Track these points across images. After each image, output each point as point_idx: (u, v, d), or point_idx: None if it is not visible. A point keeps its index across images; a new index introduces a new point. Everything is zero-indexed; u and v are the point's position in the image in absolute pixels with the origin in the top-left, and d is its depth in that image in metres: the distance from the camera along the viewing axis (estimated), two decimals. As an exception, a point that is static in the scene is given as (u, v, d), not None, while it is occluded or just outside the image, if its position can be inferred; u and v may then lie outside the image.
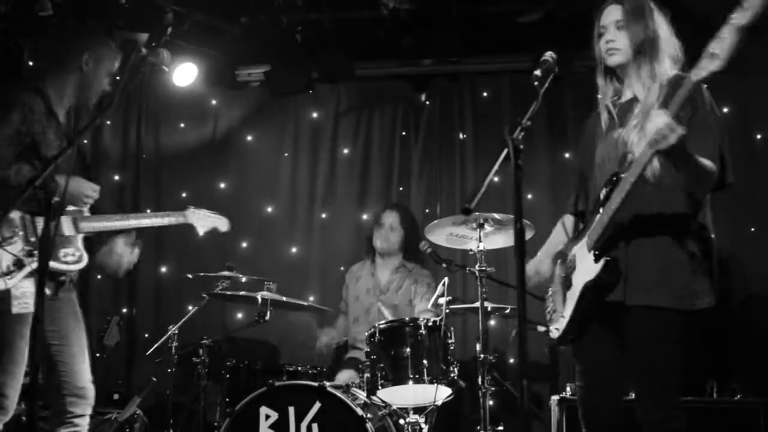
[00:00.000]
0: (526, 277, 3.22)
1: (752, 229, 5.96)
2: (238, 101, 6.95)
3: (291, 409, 4.32)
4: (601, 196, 2.99)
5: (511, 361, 5.85)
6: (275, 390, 4.37)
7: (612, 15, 3.07)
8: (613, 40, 3.04)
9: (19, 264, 3.38)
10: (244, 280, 5.31)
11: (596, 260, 2.93)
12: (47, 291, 3.37)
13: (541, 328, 3.30)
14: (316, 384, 4.37)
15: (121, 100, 3.50)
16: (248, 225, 6.67)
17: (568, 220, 3.41)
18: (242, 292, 5.11)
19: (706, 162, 2.83)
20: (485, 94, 6.77)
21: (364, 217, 6.68)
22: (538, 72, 2.96)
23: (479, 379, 4.46)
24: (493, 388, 4.58)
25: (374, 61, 6.70)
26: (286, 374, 4.74)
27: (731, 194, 5.88)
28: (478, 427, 4.44)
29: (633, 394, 3.08)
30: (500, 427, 4.81)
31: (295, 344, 6.29)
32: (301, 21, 6.16)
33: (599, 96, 3.19)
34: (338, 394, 4.33)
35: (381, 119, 6.90)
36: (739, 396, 4.68)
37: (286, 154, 6.92)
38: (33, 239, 3.40)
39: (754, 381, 4.88)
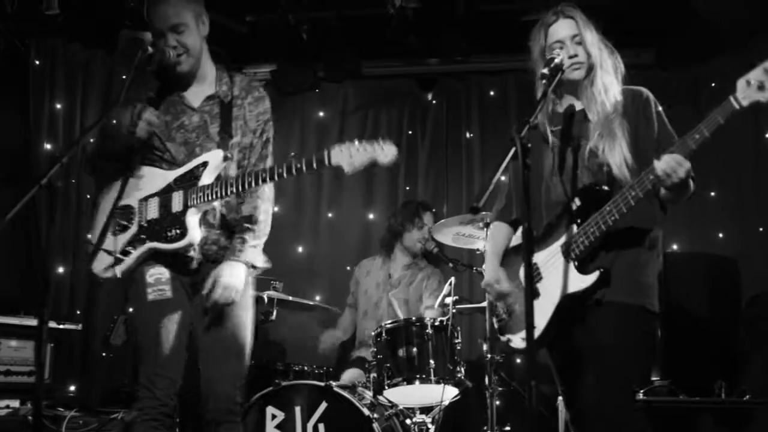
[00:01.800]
0: (488, 287, 3.21)
1: (760, 229, 5.94)
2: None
3: (297, 409, 4.31)
4: (574, 206, 2.96)
5: (518, 361, 5.83)
6: (282, 390, 4.36)
7: (567, 29, 3.05)
8: (576, 55, 3.03)
9: (125, 252, 3.34)
10: (250, 279, 5.29)
11: (582, 271, 2.91)
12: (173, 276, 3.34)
13: (503, 338, 3.25)
14: (322, 384, 4.35)
15: (126, 99, 3.39)
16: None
17: (503, 227, 3.35)
18: (249, 292, 5.09)
19: (691, 181, 2.87)
20: (492, 93, 6.75)
21: (371, 216, 6.67)
22: (545, 70, 2.96)
23: (486, 379, 4.45)
24: (500, 388, 4.57)
25: (381, 60, 6.70)
26: (292, 374, 4.73)
27: (740, 195, 5.96)
28: (485, 428, 4.43)
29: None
30: (507, 428, 4.80)
31: (299, 344, 6.29)
32: (308, 20, 6.15)
33: (543, 106, 3.09)
34: (345, 394, 4.31)
35: (387, 118, 6.90)
36: (748, 396, 4.65)
37: (292, 154, 6.88)
38: (144, 224, 3.36)
39: (763, 381, 4.85)
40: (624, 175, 2.89)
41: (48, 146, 5.96)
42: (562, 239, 2.98)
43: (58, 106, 6.11)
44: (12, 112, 5.87)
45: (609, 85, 3.03)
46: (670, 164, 2.66)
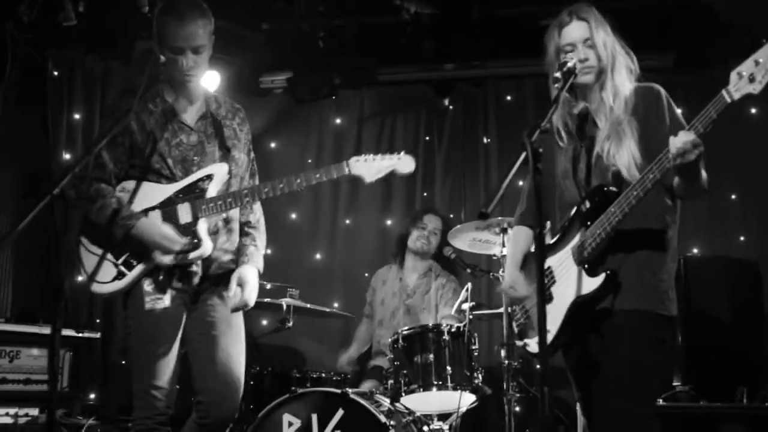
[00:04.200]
0: (504, 292, 3.21)
1: (782, 233, 5.89)
2: (261, 108, 6.94)
3: (314, 416, 4.29)
4: (584, 209, 2.94)
5: (538, 367, 5.79)
6: (298, 396, 4.35)
7: (579, 32, 3.02)
8: (587, 59, 3.00)
9: (128, 265, 3.35)
10: (268, 287, 5.31)
11: (591, 274, 2.89)
12: (172, 287, 3.37)
13: (520, 343, 3.24)
14: (339, 391, 4.34)
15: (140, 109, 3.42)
16: (272, 232, 6.57)
17: (524, 231, 3.33)
18: (266, 299, 5.11)
19: (704, 174, 2.83)
20: (509, 97, 6.73)
21: (388, 223, 6.66)
22: (557, 74, 2.94)
23: (504, 386, 4.42)
24: (519, 395, 4.54)
25: (397, 67, 6.69)
26: (309, 381, 4.73)
27: (761, 197, 5.89)
28: (503, 434, 4.39)
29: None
30: (526, 434, 4.76)
31: (316, 351, 6.30)
32: (324, 27, 6.14)
33: (555, 110, 3.07)
34: (361, 401, 4.29)
35: (404, 124, 6.89)
36: (770, 402, 4.59)
37: (309, 161, 6.92)
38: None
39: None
40: (633, 176, 2.85)
41: (67, 156, 6.00)
42: (573, 242, 2.97)
43: (77, 116, 6.16)
44: (31, 123, 5.91)
45: (620, 87, 2.99)
46: (686, 145, 2.59)
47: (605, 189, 2.91)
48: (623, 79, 3.02)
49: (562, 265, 3.00)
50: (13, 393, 4.71)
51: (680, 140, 2.59)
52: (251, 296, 3.49)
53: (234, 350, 3.50)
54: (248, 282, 3.48)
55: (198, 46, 3.36)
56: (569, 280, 2.95)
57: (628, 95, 3.00)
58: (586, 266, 2.90)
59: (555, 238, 3.08)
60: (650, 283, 2.89)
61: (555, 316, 2.97)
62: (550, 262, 3.06)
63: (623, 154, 2.90)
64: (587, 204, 2.94)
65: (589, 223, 2.91)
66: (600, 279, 2.86)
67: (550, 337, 2.96)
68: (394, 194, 6.74)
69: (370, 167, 3.45)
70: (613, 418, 2.84)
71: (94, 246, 3.39)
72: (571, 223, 3.00)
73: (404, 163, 3.49)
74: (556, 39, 3.07)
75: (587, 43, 3.01)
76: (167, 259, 3.34)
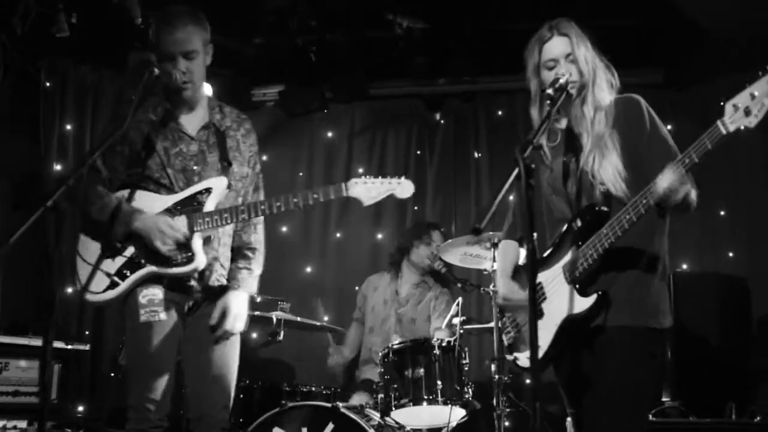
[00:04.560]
0: (505, 300, 3.20)
1: (771, 247, 5.91)
2: (253, 121, 6.92)
3: (304, 430, 4.29)
4: (575, 227, 2.95)
5: (528, 381, 5.80)
6: (288, 410, 4.34)
7: (561, 47, 3.03)
8: (570, 74, 3.00)
9: (122, 276, 3.34)
10: (259, 300, 5.29)
11: (582, 294, 2.89)
12: (169, 299, 3.35)
13: (510, 357, 3.24)
14: (329, 405, 4.34)
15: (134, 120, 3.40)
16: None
17: (511, 245, 3.34)
18: (257, 312, 5.09)
19: (693, 193, 2.81)
20: (500, 112, 6.76)
21: (379, 236, 6.67)
22: (550, 91, 2.96)
23: (494, 400, 4.42)
24: (508, 410, 4.54)
25: (388, 81, 6.73)
26: (299, 394, 4.72)
27: (750, 214, 5.93)
28: (493, 449, 4.39)
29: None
30: (516, 449, 4.76)
31: (306, 365, 6.28)
32: (315, 41, 6.18)
33: (548, 126, 3.00)
34: (352, 415, 4.29)
35: (395, 138, 6.91)
36: (758, 418, 4.60)
37: (300, 174, 6.93)
38: (141, 248, 3.33)
39: (774, 402, 4.81)
40: (621, 190, 2.87)
41: (58, 167, 5.99)
42: (564, 260, 2.97)
43: (68, 127, 6.15)
44: (23, 134, 5.91)
45: (601, 101, 3.01)
46: (673, 185, 2.62)
47: (596, 209, 2.92)
48: (604, 93, 3.03)
49: (553, 281, 3.01)
50: (1, 405, 4.67)
51: (666, 180, 2.62)
52: (235, 323, 3.48)
53: (229, 359, 3.50)
54: (231, 309, 3.47)
55: (189, 51, 3.36)
56: (560, 298, 2.95)
57: (609, 107, 3.01)
58: (577, 286, 2.91)
59: (545, 254, 3.08)
60: (641, 298, 2.90)
61: (545, 332, 2.97)
62: (541, 278, 3.05)
63: (607, 169, 2.90)
64: (578, 223, 2.95)
65: (580, 242, 2.91)
66: (592, 299, 2.86)
67: (540, 353, 2.96)
68: (385, 208, 6.74)
69: (369, 190, 3.43)
70: None
71: (95, 243, 3.37)
72: (562, 240, 3.00)
73: (403, 188, 3.51)
74: (537, 55, 3.08)
75: (569, 58, 3.02)
76: (167, 249, 3.32)
